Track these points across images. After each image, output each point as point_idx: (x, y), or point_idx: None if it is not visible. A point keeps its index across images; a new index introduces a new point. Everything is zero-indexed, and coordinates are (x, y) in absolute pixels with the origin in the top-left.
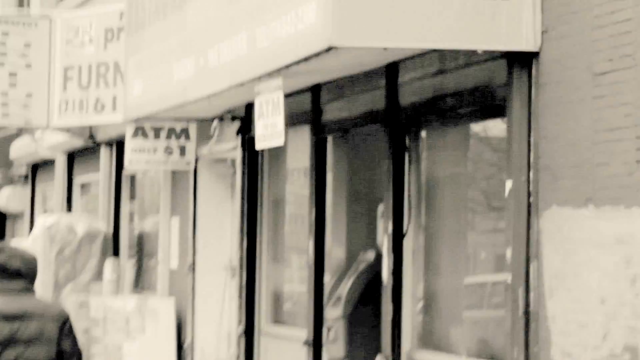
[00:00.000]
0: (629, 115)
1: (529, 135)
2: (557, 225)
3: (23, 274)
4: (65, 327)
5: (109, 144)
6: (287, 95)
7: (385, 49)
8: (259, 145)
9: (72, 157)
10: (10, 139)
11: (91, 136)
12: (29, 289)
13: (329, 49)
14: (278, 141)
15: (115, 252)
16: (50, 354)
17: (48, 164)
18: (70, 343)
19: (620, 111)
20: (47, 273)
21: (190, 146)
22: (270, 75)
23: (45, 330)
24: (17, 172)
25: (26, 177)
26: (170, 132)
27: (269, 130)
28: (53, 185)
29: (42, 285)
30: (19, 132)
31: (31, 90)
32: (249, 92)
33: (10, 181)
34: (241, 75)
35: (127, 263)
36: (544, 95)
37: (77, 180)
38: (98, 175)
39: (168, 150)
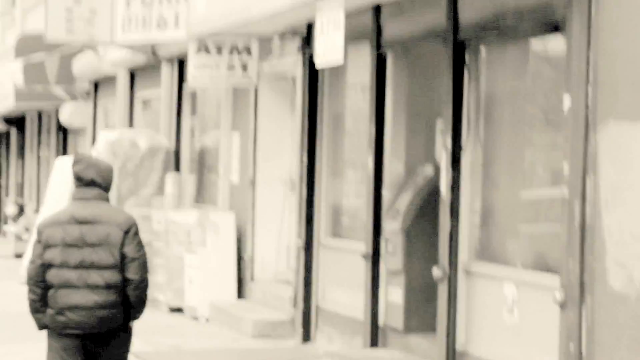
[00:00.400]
0: None
1: (588, 52)
2: (613, 140)
3: (97, 183)
4: (129, 233)
5: (171, 60)
6: (348, 13)
7: None
8: (318, 63)
9: (133, 73)
10: (72, 54)
11: (153, 52)
12: (102, 196)
13: None
14: (337, 59)
15: (177, 167)
16: (114, 258)
17: (110, 79)
18: (133, 249)
19: None
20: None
21: (252, 62)
22: None
23: (111, 236)
24: (80, 87)
25: (88, 92)
26: (233, 48)
27: (329, 47)
28: (115, 101)
29: None
30: (82, 48)
31: (95, 6)
32: (310, 10)
33: (72, 97)
34: None
35: (188, 177)
36: (603, 12)
37: (139, 96)
38: (159, 92)
39: (230, 67)
